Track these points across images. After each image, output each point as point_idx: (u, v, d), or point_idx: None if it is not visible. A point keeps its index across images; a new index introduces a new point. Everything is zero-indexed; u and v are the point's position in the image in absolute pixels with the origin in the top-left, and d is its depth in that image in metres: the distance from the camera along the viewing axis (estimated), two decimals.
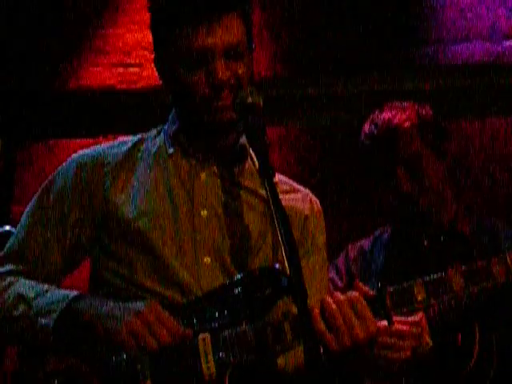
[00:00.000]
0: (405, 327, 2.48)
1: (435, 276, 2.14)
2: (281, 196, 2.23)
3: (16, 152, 4.69)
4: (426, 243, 3.09)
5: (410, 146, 3.04)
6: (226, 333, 2.11)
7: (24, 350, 2.25)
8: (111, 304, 2.15)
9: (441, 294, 2.12)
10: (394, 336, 2.43)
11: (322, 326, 2.07)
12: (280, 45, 4.29)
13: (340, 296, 2.09)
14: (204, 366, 2.09)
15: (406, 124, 3.05)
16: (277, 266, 2.15)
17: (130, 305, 2.14)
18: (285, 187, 2.40)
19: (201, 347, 2.10)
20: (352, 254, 3.24)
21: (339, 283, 3.17)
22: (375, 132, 3.08)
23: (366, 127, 3.12)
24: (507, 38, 4.18)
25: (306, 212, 2.39)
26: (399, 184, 3.03)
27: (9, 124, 4.64)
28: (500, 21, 4.18)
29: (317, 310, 2.07)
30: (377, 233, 3.28)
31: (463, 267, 2.15)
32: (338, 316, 2.06)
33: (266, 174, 2.09)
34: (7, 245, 2.38)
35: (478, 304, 2.85)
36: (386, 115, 3.08)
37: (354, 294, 2.10)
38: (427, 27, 4.26)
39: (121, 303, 2.15)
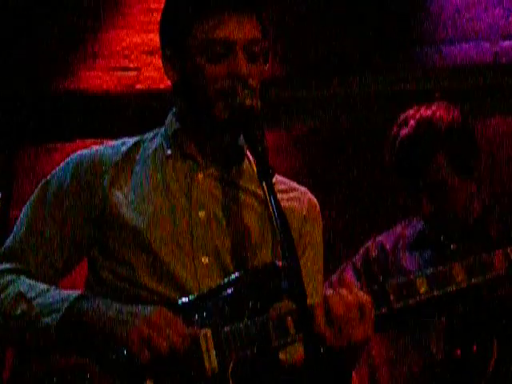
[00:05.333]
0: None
1: (437, 269, 2.16)
2: (278, 196, 2.23)
3: (14, 155, 4.68)
4: (452, 246, 3.07)
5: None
6: (228, 328, 2.11)
7: (24, 349, 2.24)
8: (117, 307, 2.14)
9: (443, 286, 2.14)
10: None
11: (322, 323, 2.06)
12: (279, 46, 4.29)
13: (349, 297, 2.09)
14: (206, 361, 2.08)
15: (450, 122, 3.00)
16: (277, 262, 2.15)
17: (137, 309, 2.13)
18: (282, 187, 2.40)
19: (202, 343, 2.09)
20: (373, 252, 3.21)
21: (356, 282, 3.15)
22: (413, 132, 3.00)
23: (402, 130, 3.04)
24: (505, 38, 4.18)
25: (304, 211, 2.39)
26: (438, 175, 2.99)
27: (7, 127, 4.63)
28: (497, 21, 4.19)
29: (320, 310, 2.07)
30: (398, 229, 3.25)
31: (465, 260, 2.17)
32: (343, 317, 2.06)
33: (265, 177, 2.09)
34: (5, 242, 2.37)
35: (499, 319, 2.87)
36: (427, 112, 3.02)
37: (366, 297, 2.10)
38: (425, 28, 4.27)
39: (126, 306, 2.15)
